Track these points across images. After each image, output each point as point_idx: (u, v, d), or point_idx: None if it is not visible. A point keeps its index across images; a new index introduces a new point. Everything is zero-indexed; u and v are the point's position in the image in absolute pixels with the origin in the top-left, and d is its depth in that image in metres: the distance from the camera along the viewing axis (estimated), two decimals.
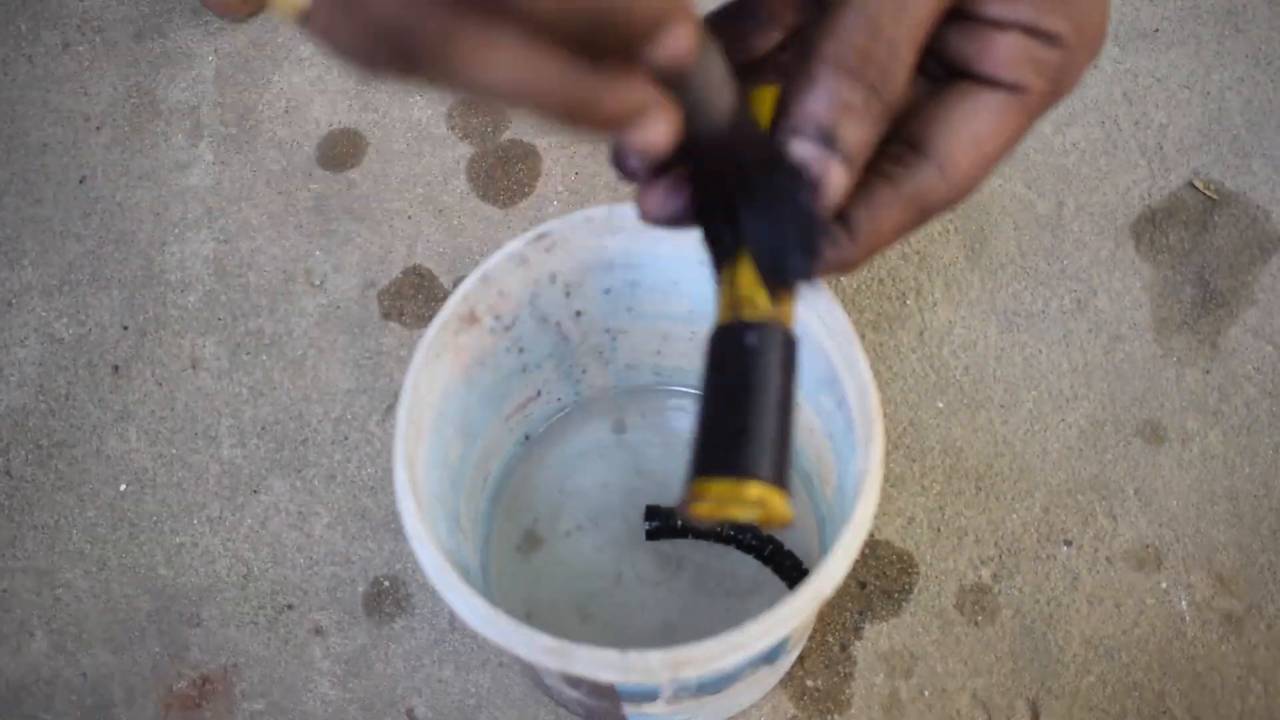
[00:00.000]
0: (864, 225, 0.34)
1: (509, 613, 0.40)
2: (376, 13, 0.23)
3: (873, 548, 0.58)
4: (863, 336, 0.63)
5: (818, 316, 0.45)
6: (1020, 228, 0.66)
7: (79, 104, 0.72)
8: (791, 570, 0.54)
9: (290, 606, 0.58)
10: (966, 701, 0.55)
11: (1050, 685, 0.55)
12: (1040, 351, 0.63)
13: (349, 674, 0.57)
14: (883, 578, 0.58)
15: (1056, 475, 0.60)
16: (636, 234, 0.47)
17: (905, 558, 0.58)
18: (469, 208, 0.68)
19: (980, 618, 0.57)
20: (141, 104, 0.72)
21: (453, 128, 0.70)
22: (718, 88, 0.30)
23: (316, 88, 0.72)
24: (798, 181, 0.33)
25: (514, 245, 0.46)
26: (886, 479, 0.60)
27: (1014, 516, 0.59)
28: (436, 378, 0.46)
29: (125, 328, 0.65)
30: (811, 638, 0.56)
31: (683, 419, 0.59)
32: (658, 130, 0.27)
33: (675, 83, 0.28)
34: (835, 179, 0.32)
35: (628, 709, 0.47)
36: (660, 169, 0.33)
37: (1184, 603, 0.57)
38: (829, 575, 0.40)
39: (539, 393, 0.56)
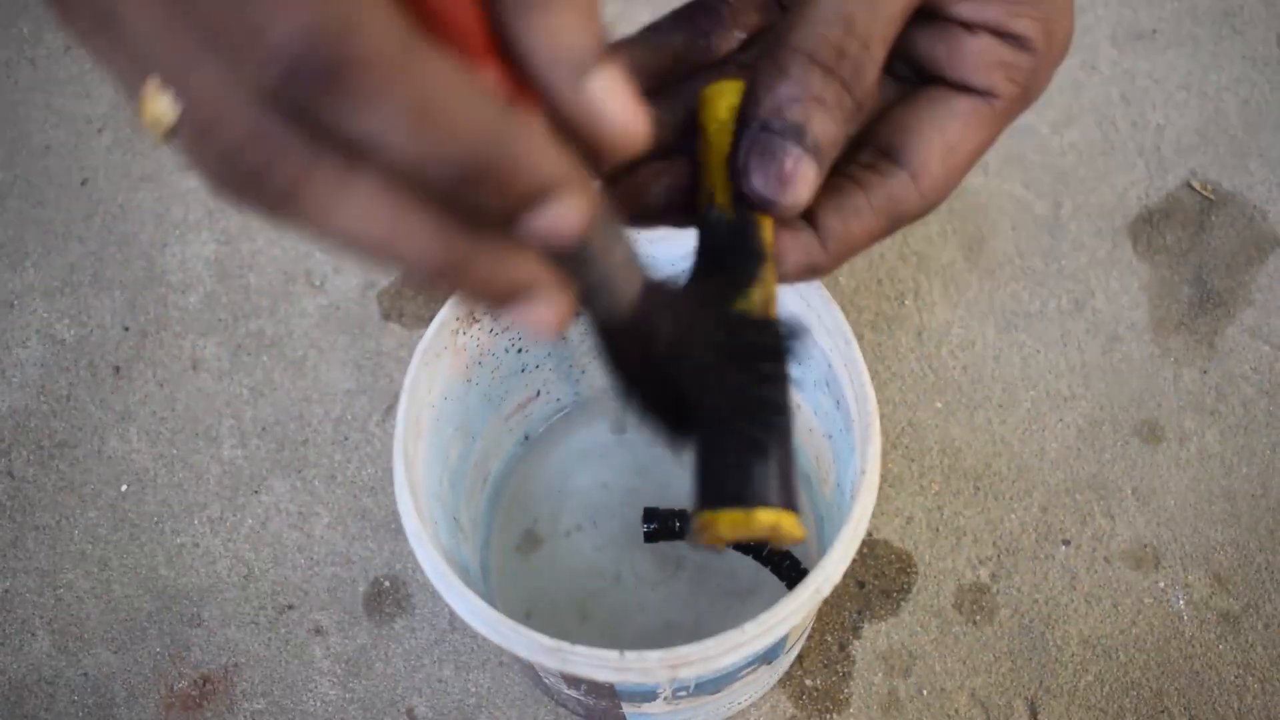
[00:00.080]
0: (836, 232, 0.34)
1: (508, 613, 0.40)
2: (229, 145, 0.21)
3: (871, 547, 0.58)
4: (861, 337, 0.63)
5: (816, 317, 0.45)
6: (1018, 228, 0.66)
7: (81, 106, 0.72)
8: (789, 570, 0.55)
9: (291, 606, 0.58)
10: (965, 701, 0.55)
11: (1048, 684, 0.55)
12: (1038, 351, 0.63)
13: (349, 674, 0.57)
14: (881, 577, 0.58)
15: (1054, 475, 0.60)
16: (636, 233, 0.48)
17: (904, 557, 0.58)
18: None
19: (978, 617, 0.57)
20: None
21: None
22: (621, 269, 0.27)
23: None
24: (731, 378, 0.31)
25: None
26: (885, 479, 0.60)
27: (1012, 516, 0.59)
28: (436, 378, 0.46)
29: (126, 329, 0.66)
30: (810, 637, 0.56)
31: None
32: (541, 313, 0.25)
33: (568, 259, 0.25)
34: (805, 173, 0.32)
35: (627, 708, 0.47)
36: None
37: (1181, 602, 0.57)
38: (827, 575, 0.40)
39: (538, 393, 0.56)
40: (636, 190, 0.35)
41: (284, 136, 0.21)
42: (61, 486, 0.62)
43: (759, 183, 0.32)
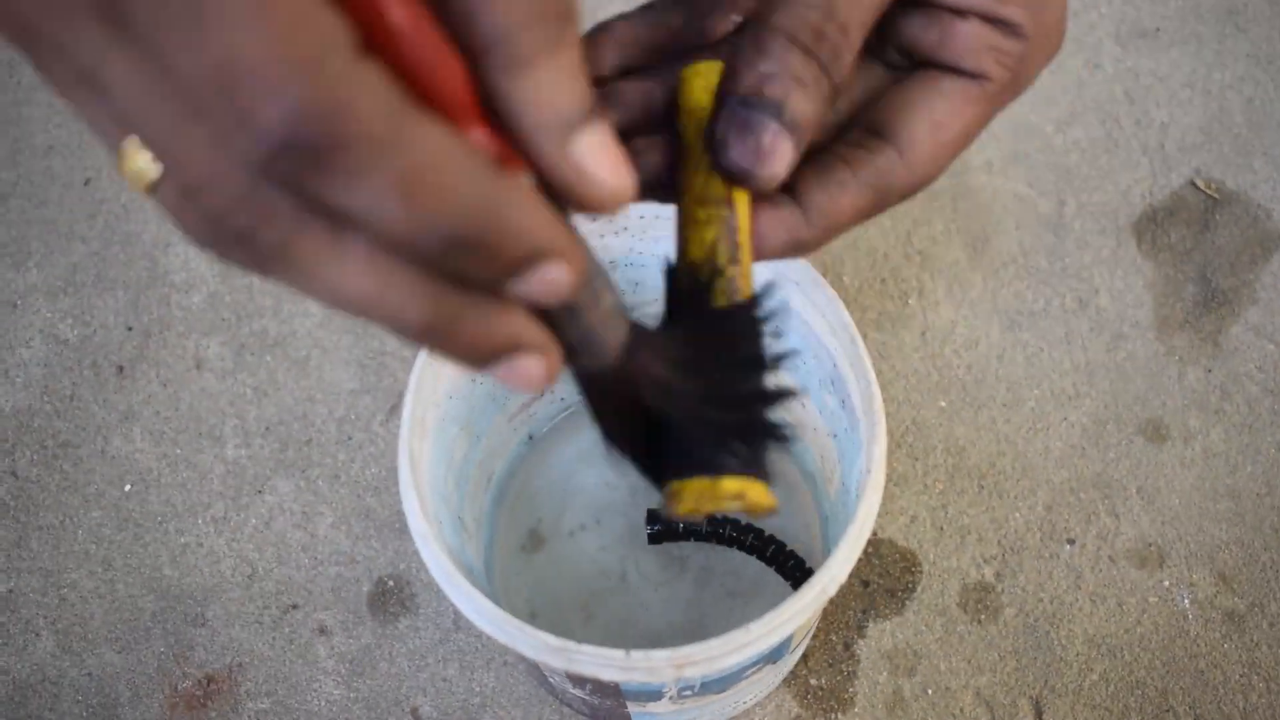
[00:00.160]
0: (821, 207, 0.34)
1: (513, 612, 0.40)
2: (217, 202, 0.21)
3: (876, 546, 0.58)
4: (865, 336, 0.63)
5: (821, 316, 0.45)
6: (1022, 227, 0.66)
7: None
8: (794, 570, 0.55)
9: (295, 606, 0.58)
10: (970, 700, 0.55)
11: (1053, 684, 0.55)
12: (1042, 350, 0.63)
13: (353, 673, 0.57)
14: (886, 576, 0.58)
15: (1059, 474, 0.60)
16: (639, 234, 0.48)
17: (908, 556, 0.58)
18: None
19: (983, 616, 0.57)
20: None
21: None
22: (605, 322, 0.28)
23: None
24: (708, 421, 0.32)
25: None
26: (889, 478, 0.60)
27: (1017, 515, 0.59)
28: (440, 378, 0.46)
29: (130, 328, 0.66)
30: (815, 636, 0.56)
31: None
32: (528, 370, 0.25)
33: (556, 315, 0.26)
34: (782, 148, 0.32)
35: (632, 708, 0.47)
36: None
37: (1186, 601, 0.57)
38: (833, 574, 0.40)
39: (542, 392, 0.56)
40: None
41: (272, 202, 0.21)
42: (65, 486, 0.62)
43: (736, 155, 0.32)
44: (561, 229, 0.23)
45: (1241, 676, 0.55)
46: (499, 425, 0.54)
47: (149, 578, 0.59)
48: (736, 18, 0.36)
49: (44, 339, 0.66)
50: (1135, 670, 0.55)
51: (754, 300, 0.34)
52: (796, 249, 0.35)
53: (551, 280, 0.23)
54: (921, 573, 0.58)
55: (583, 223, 0.47)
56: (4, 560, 0.60)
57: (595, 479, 0.59)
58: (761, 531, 0.55)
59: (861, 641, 0.56)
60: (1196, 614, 0.57)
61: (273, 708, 0.56)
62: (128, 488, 0.62)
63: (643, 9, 0.36)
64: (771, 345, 0.34)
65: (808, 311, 0.46)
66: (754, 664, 0.44)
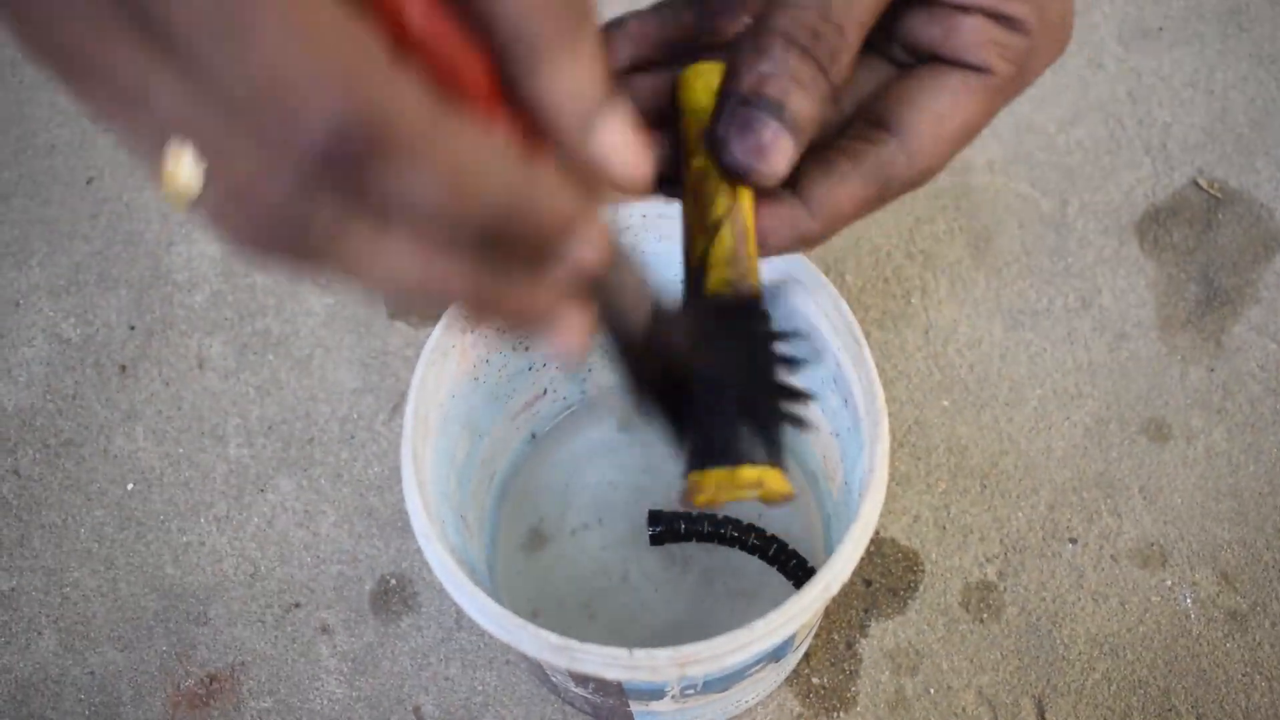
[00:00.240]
0: (823, 199, 0.35)
1: (515, 611, 0.40)
2: (265, 203, 0.22)
3: (878, 545, 0.58)
4: (868, 335, 0.63)
5: (824, 315, 0.45)
6: (1025, 226, 0.66)
7: None
8: (796, 569, 0.55)
9: (297, 605, 0.58)
10: (972, 699, 0.55)
11: (1055, 683, 0.55)
12: (1045, 350, 0.63)
13: (356, 672, 0.57)
14: (888, 575, 0.58)
15: (1061, 473, 0.60)
16: (641, 232, 0.48)
17: (911, 556, 0.58)
18: None
19: (985, 615, 0.57)
20: None
21: None
22: (634, 293, 0.30)
23: None
24: (727, 387, 0.33)
25: None
26: (892, 477, 0.60)
27: (1019, 514, 0.59)
28: (444, 376, 0.46)
29: (132, 328, 0.66)
30: (817, 635, 0.56)
31: None
32: (569, 335, 0.26)
33: (589, 287, 0.27)
34: (782, 145, 0.33)
35: (634, 707, 0.47)
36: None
37: (1189, 600, 0.57)
38: (836, 573, 0.40)
39: (545, 391, 0.56)
40: None
41: (320, 200, 0.22)
42: (68, 485, 0.62)
43: (738, 152, 0.33)
44: (588, 208, 0.25)
45: (1244, 676, 0.55)
46: (501, 424, 0.54)
47: (151, 576, 0.59)
48: (748, 19, 0.37)
49: (46, 338, 0.66)
50: (1137, 669, 0.55)
51: (761, 294, 0.35)
52: (802, 242, 0.35)
53: (583, 255, 0.25)
54: (924, 572, 0.58)
55: None
56: (6, 559, 0.60)
57: (598, 478, 0.59)
58: (763, 531, 0.55)
59: (864, 640, 0.56)
60: (1199, 613, 0.57)
61: (275, 706, 0.56)
62: (130, 486, 0.62)
63: (656, 7, 0.37)
64: (783, 339, 0.35)
65: (811, 310, 0.46)
66: (757, 663, 0.44)
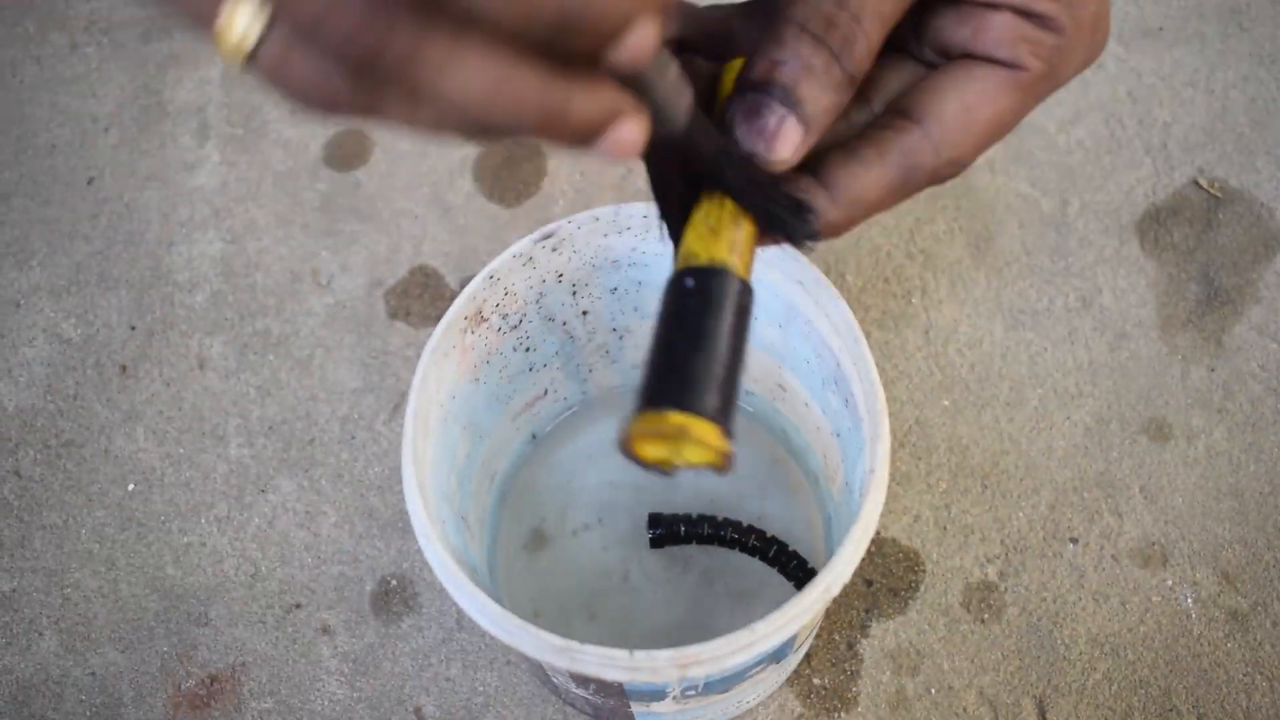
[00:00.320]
0: (845, 186, 0.35)
1: (516, 612, 0.40)
2: (340, 31, 0.22)
3: (879, 546, 0.58)
4: (868, 335, 0.63)
5: (824, 315, 0.45)
6: (1025, 226, 0.66)
7: (86, 105, 0.72)
8: (796, 570, 0.55)
9: (298, 606, 0.58)
10: (973, 699, 0.55)
11: (1056, 683, 0.55)
12: (1045, 349, 0.63)
13: (357, 673, 0.57)
14: (889, 576, 0.58)
15: (1062, 473, 0.60)
16: (643, 233, 0.48)
17: (912, 556, 0.58)
18: (475, 207, 0.68)
19: (986, 615, 0.57)
20: (149, 105, 0.72)
21: None
22: (676, 88, 0.31)
23: None
24: (753, 166, 0.34)
25: (520, 244, 0.46)
26: (893, 477, 0.60)
27: (1020, 514, 0.59)
28: (444, 377, 0.46)
29: (133, 328, 0.66)
30: (818, 636, 0.56)
31: None
32: (630, 131, 0.27)
33: (639, 84, 0.29)
34: (789, 131, 0.33)
35: (635, 708, 0.47)
36: None
37: (1189, 600, 0.57)
38: (836, 573, 0.40)
39: (546, 392, 0.56)
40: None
41: (393, 18, 0.22)
42: (68, 486, 0.62)
43: (743, 137, 0.34)
44: (636, 2, 0.25)
45: (1245, 676, 0.55)
46: (502, 424, 0.54)
47: (152, 577, 0.59)
48: None
49: (47, 338, 0.66)
50: (1138, 669, 0.55)
51: (749, 284, 0.35)
52: (826, 230, 0.36)
53: (640, 41, 0.25)
54: (925, 572, 0.58)
55: (585, 224, 0.47)
56: (7, 560, 0.60)
57: (598, 478, 0.59)
58: (763, 533, 0.55)
59: (865, 641, 0.56)
60: (1200, 613, 0.57)
61: (276, 707, 0.56)
62: (131, 487, 0.62)
63: (714, 6, 0.38)
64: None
65: (811, 311, 0.46)
66: (758, 663, 0.44)
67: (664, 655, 0.38)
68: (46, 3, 0.76)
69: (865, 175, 0.35)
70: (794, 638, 0.43)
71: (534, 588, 0.57)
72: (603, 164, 0.28)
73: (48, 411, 0.64)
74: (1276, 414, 0.61)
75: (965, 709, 0.55)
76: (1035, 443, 0.61)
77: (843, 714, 0.55)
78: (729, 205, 0.35)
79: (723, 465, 0.33)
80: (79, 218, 0.69)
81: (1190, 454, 0.60)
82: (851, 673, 0.56)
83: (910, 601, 0.57)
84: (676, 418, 0.32)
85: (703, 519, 0.55)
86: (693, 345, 0.33)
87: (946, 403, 0.62)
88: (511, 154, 0.69)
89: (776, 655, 0.45)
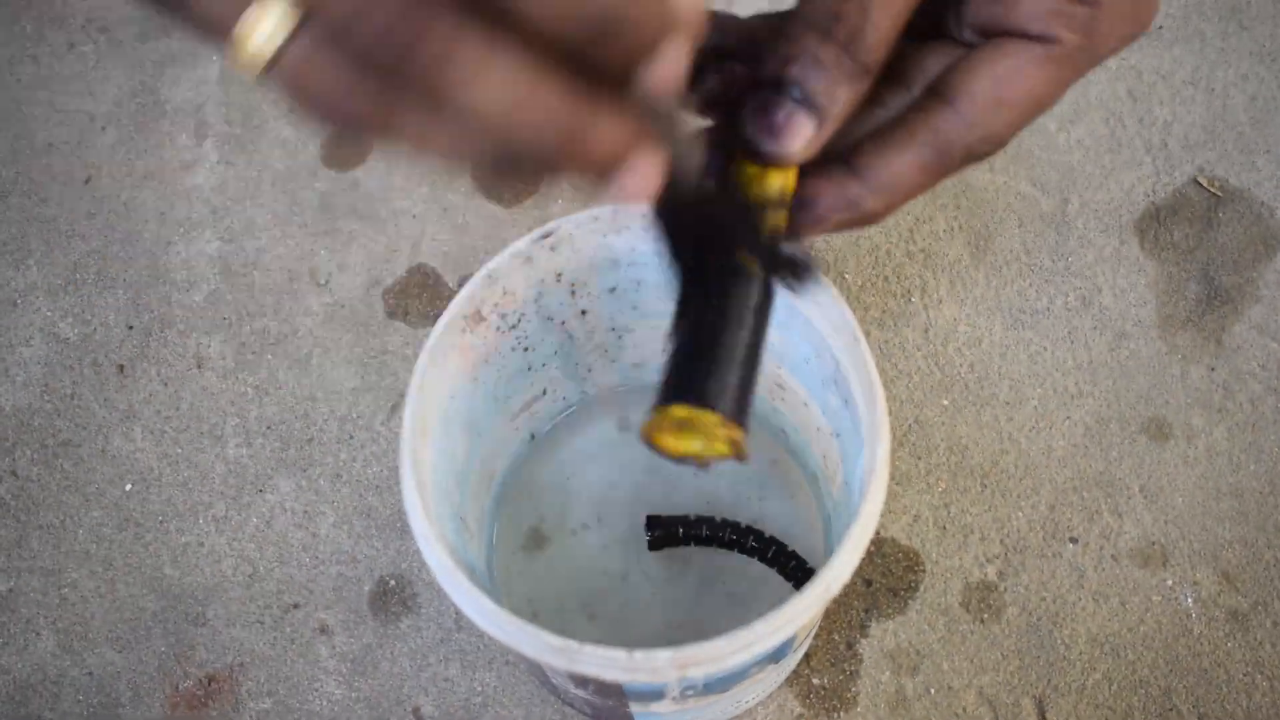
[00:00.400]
0: (876, 168, 0.35)
1: (515, 612, 0.40)
2: (374, 28, 0.22)
3: (878, 545, 0.58)
4: (868, 334, 0.63)
5: (823, 314, 0.45)
6: (1025, 225, 0.66)
7: (84, 104, 0.72)
8: (796, 571, 0.54)
9: (296, 606, 0.58)
10: (972, 699, 0.55)
11: (1056, 682, 0.55)
12: (1045, 349, 0.63)
13: (355, 673, 0.57)
14: (889, 576, 0.58)
15: (1062, 472, 0.60)
16: (642, 232, 0.47)
17: (911, 555, 0.58)
18: (474, 206, 0.68)
19: (986, 615, 0.57)
20: (146, 104, 0.72)
21: None
22: (691, 142, 0.31)
23: None
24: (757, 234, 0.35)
25: (519, 244, 0.46)
26: (892, 477, 0.60)
27: (1019, 514, 0.59)
28: (442, 376, 0.46)
29: (130, 327, 0.65)
30: (818, 636, 0.56)
31: None
32: (646, 170, 0.27)
33: (660, 120, 0.28)
34: (797, 125, 0.34)
35: (634, 708, 0.47)
36: None
37: (1189, 600, 0.57)
38: (836, 573, 0.40)
39: (545, 391, 0.56)
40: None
41: (432, 12, 0.22)
42: (66, 486, 0.62)
43: (751, 132, 0.34)
44: (675, 15, 0.25)
45: (1245, 675, 0.55)
46: (501, 425, 0.54)
47: (150, 577, 0.59)
48: None
49: (44, 337, 0.65)
50: (1138, 669, 0.55)
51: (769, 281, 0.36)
52: (857, 217, 0.36)
53: (673, 61, 0.25)
54: (924, 572, 0.58)
55: (584, 223, 0.47)
56: (4, 560, 0.60)
57: (597, 478, 0.59)
58: (762, 534, 0.55)
59: (864, 641, 0.56)
60: (1200, 613, 0.56)
61: (274, 707, 0.56)
62: (128, 487, 0.61)
63: (749, 18, 0.39)
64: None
65: (810, 310, 0.46)
66: (757, 663, 0.44)
67: (663, 655, 0.38)
68: (44, 1, 0.76)
69: (897, 159, 0.35)
70: (793, 637, 0.43)
71: (532, 588, 0.57)
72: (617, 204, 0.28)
73: (45, 411, 0.64)
74: (1276, 413, 0.61)
75: (965, 709, 0.55)
76: (1035, 442, 0.60)
77: (842, 714, 0.55)
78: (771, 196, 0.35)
79: (738, 456, 0.34)
80: (76, 217, 0.69)
81: (1190, 453, 0.60)
82: (851, 673, 0.56)
83: (910, 601, 0.57)
84: (680, 410, 0.34)
85: (701, 520, 0.55)
86: (711, 340, 0.34)
87: (946, 402, 0.62)
88: None
89: (776, 655, 0.45)
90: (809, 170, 0.36)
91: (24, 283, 0.67)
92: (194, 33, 0.25)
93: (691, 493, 0.58)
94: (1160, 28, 0.72)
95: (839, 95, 0.34)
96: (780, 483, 0.58)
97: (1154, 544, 0.58)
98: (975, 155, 0.35)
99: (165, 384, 0.64)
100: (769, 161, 0.35)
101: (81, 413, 0.63)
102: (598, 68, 0.24)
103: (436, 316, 0.60)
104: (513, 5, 0.22)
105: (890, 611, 0.57)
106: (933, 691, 0.55)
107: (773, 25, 0.37)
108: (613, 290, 0.51)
